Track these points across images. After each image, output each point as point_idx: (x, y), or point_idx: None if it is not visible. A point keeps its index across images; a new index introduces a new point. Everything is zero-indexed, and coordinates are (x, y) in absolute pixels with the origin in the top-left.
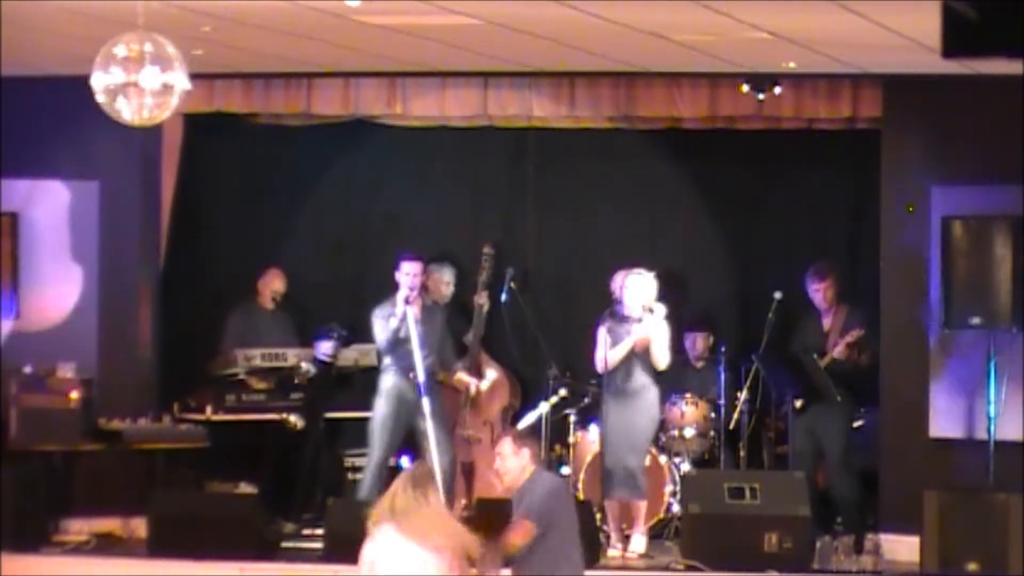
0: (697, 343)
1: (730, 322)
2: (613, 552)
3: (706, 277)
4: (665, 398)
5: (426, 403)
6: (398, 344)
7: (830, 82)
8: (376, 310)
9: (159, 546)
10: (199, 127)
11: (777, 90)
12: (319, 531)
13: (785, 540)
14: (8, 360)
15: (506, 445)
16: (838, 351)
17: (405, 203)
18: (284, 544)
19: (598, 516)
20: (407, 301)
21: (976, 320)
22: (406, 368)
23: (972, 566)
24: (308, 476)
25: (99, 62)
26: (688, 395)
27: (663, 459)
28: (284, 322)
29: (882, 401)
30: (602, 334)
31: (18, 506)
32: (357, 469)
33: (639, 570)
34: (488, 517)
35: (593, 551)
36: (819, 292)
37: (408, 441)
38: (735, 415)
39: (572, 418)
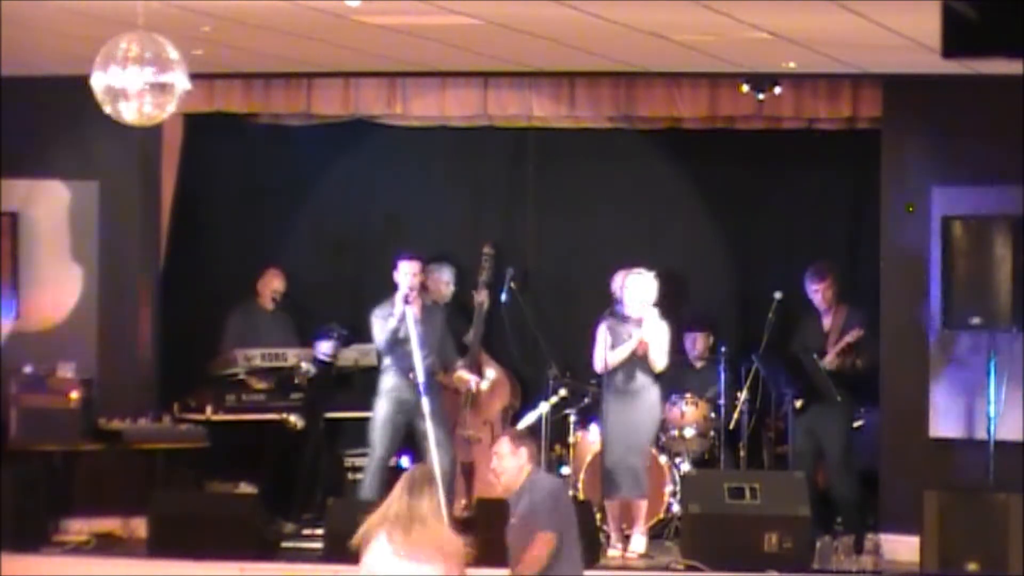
0: (697, 343)
1: (730, 322)
2: (613, 552)
3: (706, 277)
4: (665, 398)
5: (426, 403)
6: (397, 344)
7: (830, 82)
8: (376, 310)
9: (159, 546)
10: (199, 127)
11: (777, 90)
12: (319, 531)
13: (785, 540)
14: (8, 360)
15: (504, 445)
16: (829, 360)
17: (405, 203)
18: (284, 544)
19: (598, 516)
20: (406, 301)
21: (976, 320)
22: (406, 368)
23: (972, 566)
24: (308, 476)
25: (99, 62)
26: (688, 395)
27: (663, 459)
28: (284, 322)
29: (882, 401)
30: (602, 334)
31: (18, 506)
32: (357, 469)
33: (639, 570)
34: (488, 517)
35: (593, 551)
36: (819, 292)
37: (408, 441)
38: (735, 415)
39: (572, 418)
